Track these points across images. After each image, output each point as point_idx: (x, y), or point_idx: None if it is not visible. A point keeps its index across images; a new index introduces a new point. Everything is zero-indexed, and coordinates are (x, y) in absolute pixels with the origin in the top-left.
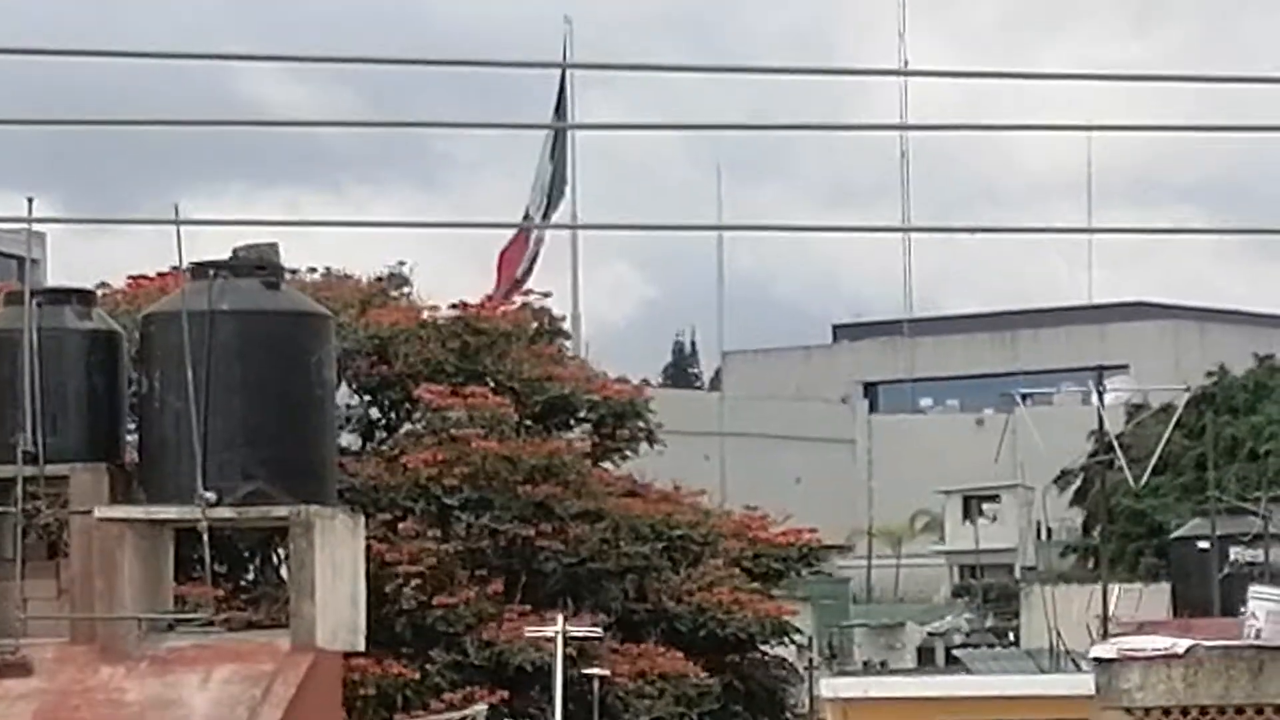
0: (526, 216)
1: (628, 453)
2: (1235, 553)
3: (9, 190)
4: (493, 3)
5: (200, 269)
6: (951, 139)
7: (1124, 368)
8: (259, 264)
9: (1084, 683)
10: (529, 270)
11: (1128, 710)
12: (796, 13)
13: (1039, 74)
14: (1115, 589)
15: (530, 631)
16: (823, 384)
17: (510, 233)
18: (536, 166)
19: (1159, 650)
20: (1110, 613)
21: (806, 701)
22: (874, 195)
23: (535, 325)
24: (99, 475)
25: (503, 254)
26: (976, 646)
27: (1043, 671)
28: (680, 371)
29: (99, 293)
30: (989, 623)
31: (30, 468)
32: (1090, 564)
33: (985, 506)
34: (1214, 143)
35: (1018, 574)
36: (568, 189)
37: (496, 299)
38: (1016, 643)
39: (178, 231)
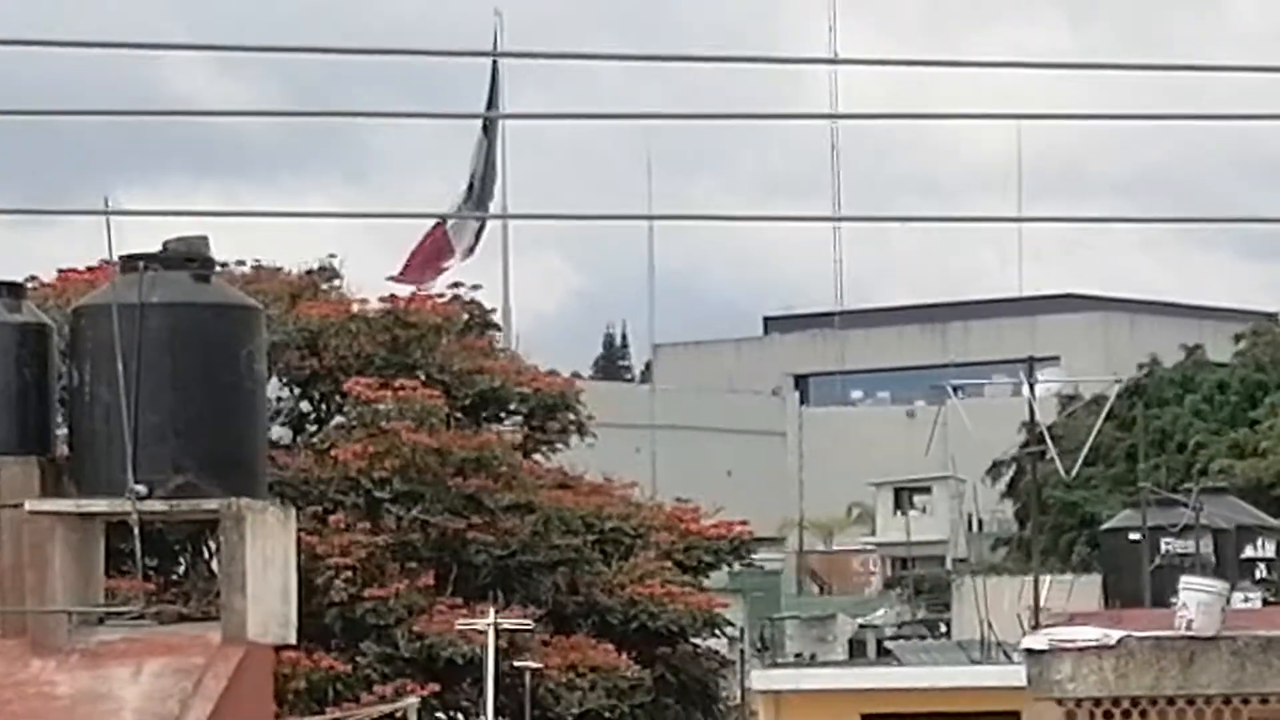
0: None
1: (559, 445)
2: (1166, 544)
3: None
4: (427, 4)
5: (130, 262)
6: (882, 133)
7: (1055, 359)
8: (189, 257)
9: (1015, 674)
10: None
11: (1059, 701)
12: (728, 13)
13: (970, 62)
14: (1046, 580)
15: (461, 624)
16: (753, 376)
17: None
18: (471, 166)
19: (1090, 641)
20: (1041, 604)
21: (738, 693)
22: (805, 189)
23: (465, 318)
24: (29, 468)
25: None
26: (908, 638)
27: (974, 663)
28: (611, 364)
29: (28, 286)
30: (920, 614)
31: None
32: (1022, 555)
33: (916, 498)
34: (1143, 135)
35: (949, 566)
36: (497, 185)
37: (411, 281)
38: (948, 634)
39: (107, 223)
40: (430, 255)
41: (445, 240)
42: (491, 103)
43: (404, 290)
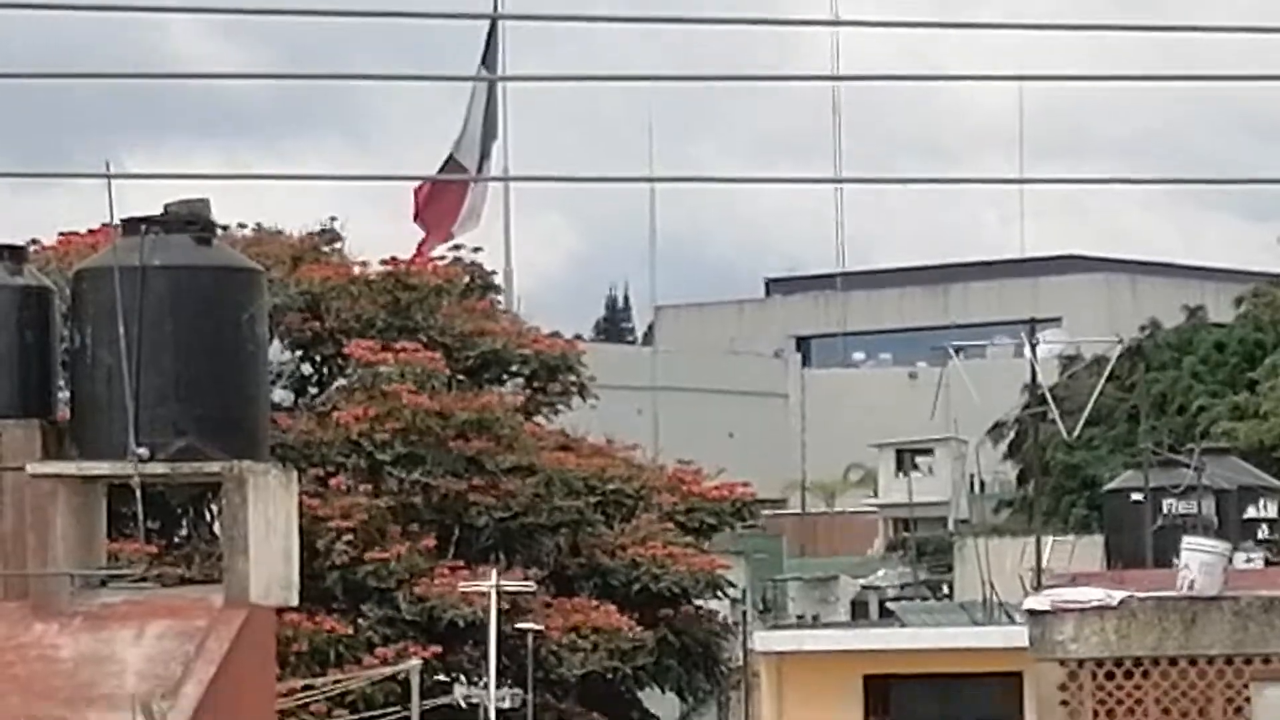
0: (450, 159)
1: (560, 407)
2: (1168, 505)
3: None
4: None
5: (131, 225)
6: (884, 94)
7: (1057, 320)
8: (190, 219)
9: (1017, 635)
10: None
11: (1061, 662)
12: None
13: (971, 23)
14: (1048, 541)
15: (463, 586)
16: (755, 338)
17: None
18: (465, 115)
19: (1092, 602)
20: (1043, 565)
21: (740, 655)
22: (806, 151)
23: (467, 280)
24: (31, 431)
25: (425, 202)
26: (910, 600)
27: (976, 624)
28: (613, 325)
29: (29, 249)
30: (922, 576)
31: None
32: (1024, 516)
33: (918, 460)
34: (1144, 96)
35: (951, 527)
36: (495, 144)
37: (426, 251)
38: (950, 596)
39: (109, 186)
40: (442, 210)
41: (450, 197)
42: (486, 61)
43: (405, 252)
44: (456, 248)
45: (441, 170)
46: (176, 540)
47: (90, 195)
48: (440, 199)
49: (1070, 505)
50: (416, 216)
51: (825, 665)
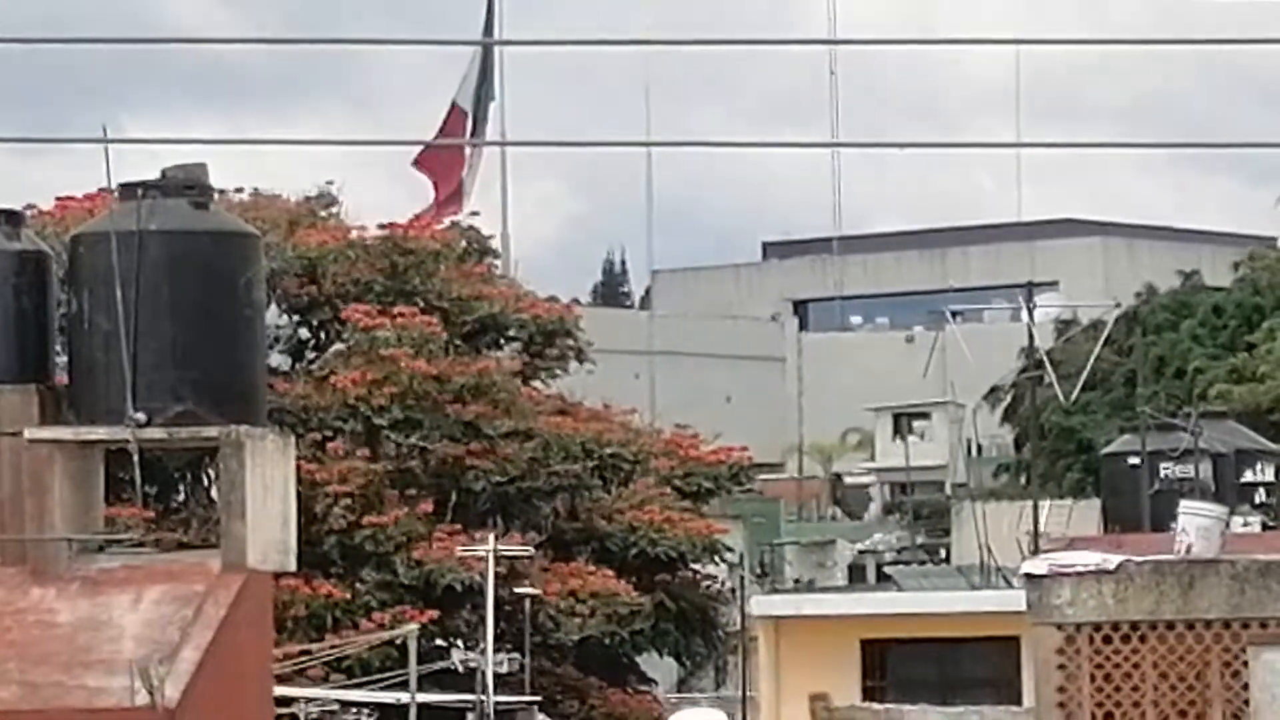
0: (454, 106)
1: (557, 371)
2: (1165, 468)
3: None
4: None
5: (128, 189)
6: (881, 58)
7: (1054, 284)
8: (187, 184)
9: (1014, 599)
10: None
11: (1058, 626)
12: None
13: None
14: (1046, 505)
15: (461, 551)
16: (752, 302)
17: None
18: (466, 69)
19: (1090, 566)
20: (1040, 529)
21: (738, 619)
22: (804, 114)
23: (464, 244)
24: (28, 396)
25: (430, 162)
26: (908, 564)
27: (974, 588)
28: (610, 290)
29: (27, 214)
30: (920, 540)
31: None
32: (1021, 481)
33: (916, 424)
34: (1141, 59)
35: (948, 491)
36: (493, 106)
37: (432, 215)
38: (947, 560)
39: (105, 151)
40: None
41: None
42: (489, 27)
43: (402, 217)
44: (453, 211)
45: (447, 116)
46: (174, 505)
47: (92, 160)
48: (444, 148)
49: (1067, 469)
50: (417, 163)
51: (823, 629)
